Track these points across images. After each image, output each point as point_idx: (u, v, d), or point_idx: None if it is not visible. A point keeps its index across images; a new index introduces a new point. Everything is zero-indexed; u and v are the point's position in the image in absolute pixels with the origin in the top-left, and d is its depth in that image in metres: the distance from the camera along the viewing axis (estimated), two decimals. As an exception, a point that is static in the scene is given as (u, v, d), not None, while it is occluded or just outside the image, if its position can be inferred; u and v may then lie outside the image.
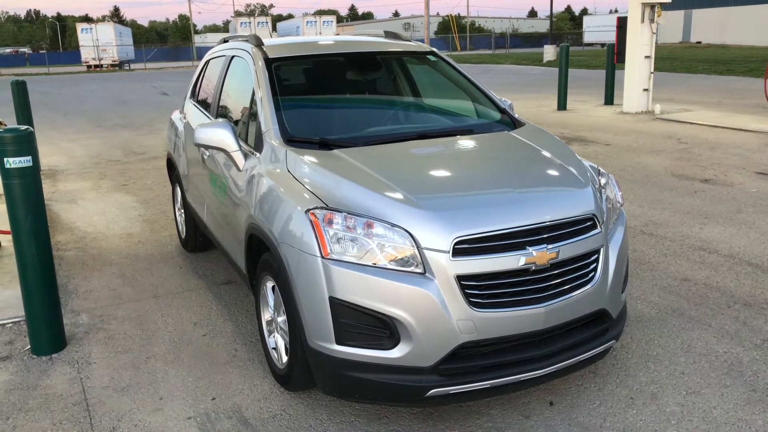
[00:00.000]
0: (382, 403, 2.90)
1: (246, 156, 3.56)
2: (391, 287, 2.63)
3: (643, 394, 3.14)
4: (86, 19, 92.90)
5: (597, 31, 57.13)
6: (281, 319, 3.15)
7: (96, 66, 45.50)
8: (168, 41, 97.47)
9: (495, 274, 2.68)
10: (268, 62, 3.90)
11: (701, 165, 8.13)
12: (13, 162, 3.40)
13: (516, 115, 4.05)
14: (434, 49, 4.54)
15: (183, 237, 5.51)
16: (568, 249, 2.81)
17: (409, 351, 2.64)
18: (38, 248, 3.56)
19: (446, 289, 2.63)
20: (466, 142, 3.57)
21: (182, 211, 5.42)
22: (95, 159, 10.03)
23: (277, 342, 3.26)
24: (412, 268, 2.66)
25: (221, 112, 4.42)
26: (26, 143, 3.43)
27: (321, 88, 4.26)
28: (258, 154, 3.46)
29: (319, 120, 3.87)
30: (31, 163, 3.45)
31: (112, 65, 46.11)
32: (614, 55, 14.23)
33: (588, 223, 2.93)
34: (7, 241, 5.32)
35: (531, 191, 2.99)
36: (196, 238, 5.24)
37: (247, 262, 3.53)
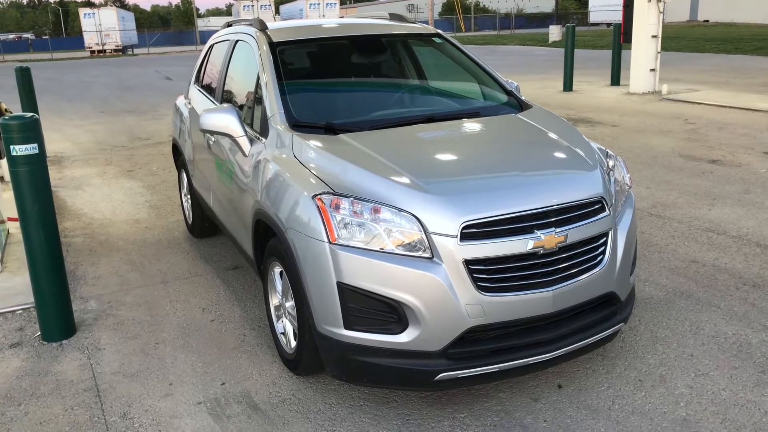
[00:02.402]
0: (390, 387, 2.91)
1: (252, 141, 3.55)
2: (398, 272, 2.63)
3: (652, 377, 3.14)
4: (88, 3, 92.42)
5: (603, 10, 56.42)
6: (289, 304, 3.15)
7: (99, 51, 45.35)
8: (171, 25, 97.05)
9: (503, 258, 2.67)
10: (273, 46, 3.87)
11: (709, 145, 8.07)
12: (19, 149, 3.40)
13: (523, 97, 4.02)
14: (440, 31, 4.49)
15: (190, 222, 5.51)
16: (576, 232, 2.79)
17: (417, 335, 2.65)
18: (46, 235, 3.57)
19: (454, 273, 2.62)
20: (472, 125, 3.55)
21: (188, 196, 5.42)
22: (100, 145, 10.04)
23: (286, 327, 3.27)
24: (419, 253, 2.66)
25: (226, 98, 4.40)
26: (32, 130, 3.42)
27: (326, 71, 4.22)
28: (264, 140, 3.45)
29: (325, 104, 3.85)
30: (37, 151, 3.45)
31: (115, 50, 45.96)
32: (621, 35, 14.09)
33: (596, 206, 2.91)
34: (15, 228, 5.33)
35: (539, 174, 2.98)
36: (203, 224, 5.24)
37: (255, 247, 3.53)
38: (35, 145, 3.43)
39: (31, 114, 3.48)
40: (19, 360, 3.53)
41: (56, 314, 3.69)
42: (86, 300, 4.28)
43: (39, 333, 3.76)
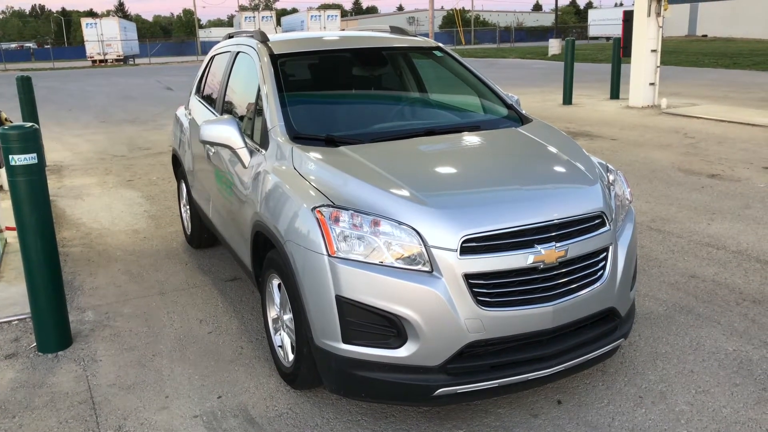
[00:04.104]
0: (389, 402, 2.89)
1: (252, 153, 3.55)
2: (398, 286, 2.61)
3: (652, 393, 3.12)
4: (91, 13, 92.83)
5: (602, 24, 56.84)
6: (287, 317, 3.13)
7: (101, 61, 45.47)
8: (172, 36, 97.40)
9: (503, 273, 2.65)
10: (274, 58, 3.87)
11: (708, 160, 8.08)
12: (18, 159, 3.39)
13: (523, 111, 4.02)
14: (440, 44, 4.51)
15: (188, 233, 5.50)
16: (576, 247, 2.78)
17: (416, 350, 2.62)
18: (44, 245, 3.55)
19: (454, 287, 2.61)
20: (473, 139, 3.54)
21: (187, 207, 5.41)
22: (100, 154, 10.03)
23: (284, 340, 3.25)
24: (419, 267, 2.64)
25: (226, 109, 4.40)
26: (32, 140, 3.41)
27: (327, 84, 4.23)
28: (264, 151, 3.44)
29: (325, 116, 3.85)
30: (36, 161, 3.44)
31: (116, 60, 46.09)
32: (620, 49, 14.16)
33: (597, 221, 2.90)
34: (13, 237, 5.31)
35: (539, 189, 2.97)
36: (202, 235, 5.23)
37: (253, 259, 3.51)
38: (34, 155, 3.42)
39: (30, 124, 3.47)
40: (14, 371, 3.51)
41: (52, 325, 3.67)
42: (83, 311, 4.26)
43: (35, 344, 3.73)
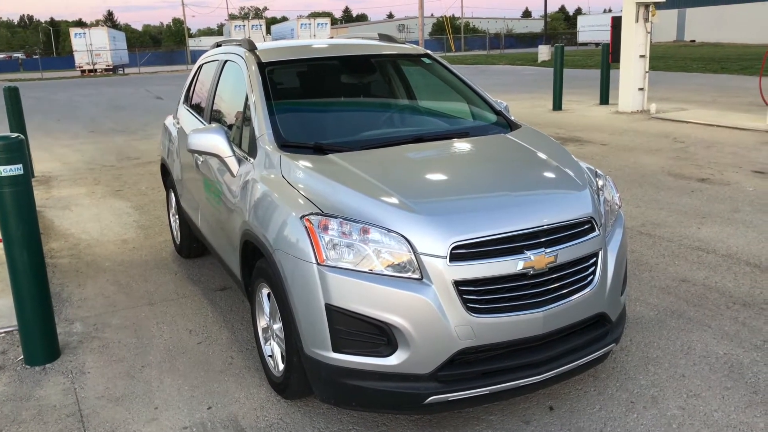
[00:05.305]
0: (380, 410, 2.87)
1: (240, 161, 3.53)
2: (387, 293, 2.60)
3: (644, 398, 3.11)
4: (80, 23, 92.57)
5: (591, 30, 57.23)
6: (277, 326, 3.11)
7: (90, 71, 45.32)
8: (162, 45, 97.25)
9: (493, 279, 2.65)
10: (262, 66, 3.87)
11: (698, 164, 8.12)
12: (3, 170, 3.36)
13: (512, 117, 4.03)
14: (428, 52, 4.51)
15: (178, 243, 5.46)
16: (566, 252, 2.78)
17: (407, 358, 2.61)
18: (30, 257, 3.51)
19: (444, 294, 2.60)
20: (462, 145, 3.54)
21: (177, 216, 5.38)
22: (89, 164, 9.98)
23: (274, 349, 3.22)
24: (408, 274, 2.63)
25: (215, 117, 4.39)
26: (17, 151, 3.38)
27: (315, 92, 4.22)
28: (252, 160, 3.42)
29: (314, 124, 3.84)
30: (22, 171, 3.41)
31: (106, 70, 45.96)
32: (609, 55, 14.24)
33: (586, 226, 2.90)
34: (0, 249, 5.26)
35: (528, 194, 2.97)
36: (191, 244, 5.20)
37: (242, 268, 3.49)
38: (20, 165, 3.39)
39: (16, 134, 3.44)
40: (1, 384, 3.46)
41: (40, 337, 3.63)
42: (71, 322, 4.22)
43: (22, 357, 3.69)
